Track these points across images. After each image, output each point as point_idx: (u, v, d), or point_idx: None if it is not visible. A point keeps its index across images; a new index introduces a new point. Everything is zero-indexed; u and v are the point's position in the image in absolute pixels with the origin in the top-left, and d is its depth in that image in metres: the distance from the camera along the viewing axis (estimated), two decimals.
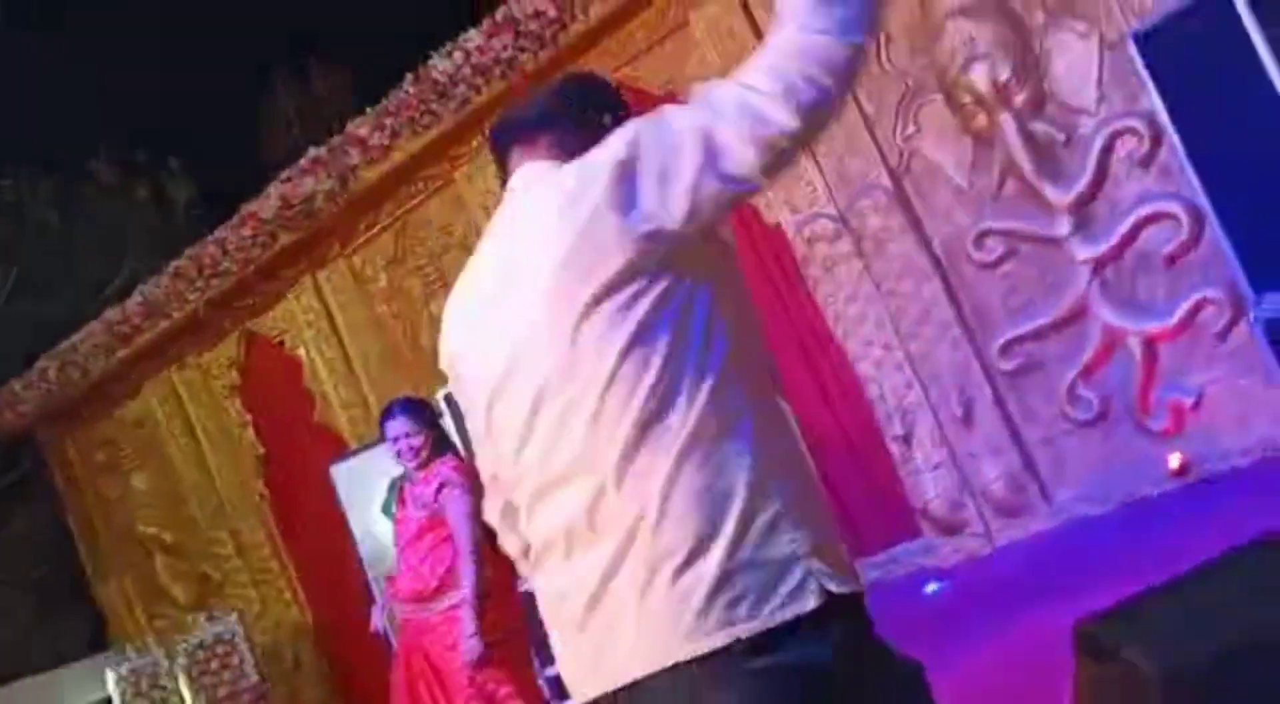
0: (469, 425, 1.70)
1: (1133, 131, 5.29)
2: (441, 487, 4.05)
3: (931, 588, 5.63)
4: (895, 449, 6.09)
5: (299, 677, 9.00)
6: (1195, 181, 4.57)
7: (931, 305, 5.83)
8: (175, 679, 7.84)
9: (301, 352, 8.64)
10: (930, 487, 5.96)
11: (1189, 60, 4.49)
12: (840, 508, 6.44)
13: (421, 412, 4.21)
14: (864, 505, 6.35)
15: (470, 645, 3.86)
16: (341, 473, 7.72)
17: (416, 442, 4.07)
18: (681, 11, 6.47)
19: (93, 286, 9.69)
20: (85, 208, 14.81)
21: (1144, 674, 1.62)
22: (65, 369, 9.56)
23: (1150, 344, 5.39)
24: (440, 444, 4.18)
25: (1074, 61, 5.41)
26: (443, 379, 7.08)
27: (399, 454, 4.11)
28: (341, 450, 8.33)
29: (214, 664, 7.78)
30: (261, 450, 9.11)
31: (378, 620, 5.00)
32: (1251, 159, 4.32)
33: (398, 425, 4.11)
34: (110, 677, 8.42)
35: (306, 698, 8.96)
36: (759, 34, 6.19)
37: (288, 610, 9.08)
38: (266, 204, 8.01)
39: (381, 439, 4.28)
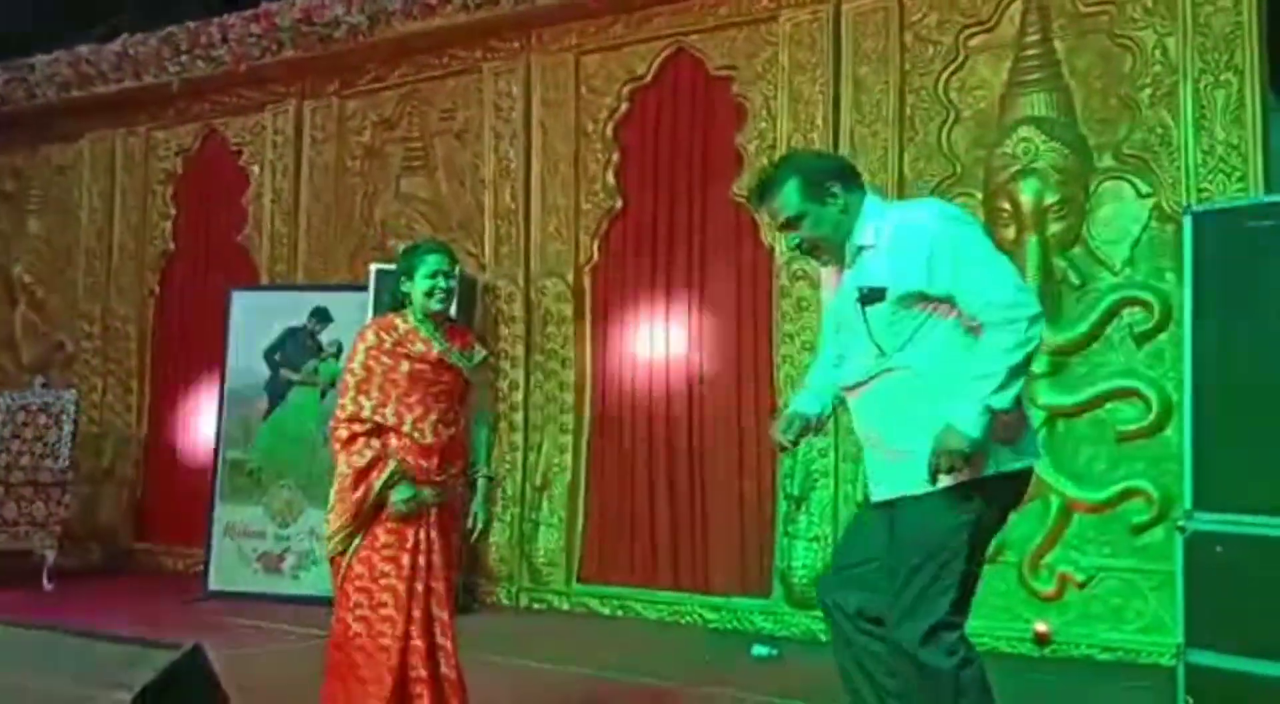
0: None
1: (1144, 305, 5.21)
2: (487, 359, 3.73)
3: (759, 650, 5.48)
4: (785, 505, 5.93)
5: (107, 480, 8.58)
6: (1187, 374, 4.45)
7: None
8: None
9: (256, 169, 8.25)
10: (800, 555, 5.80)
11: (1233, 258, 4.39)
12: (706, 537, 6.29)
13: (456, 261, 3.69)
14: (730, 543, 6.19)
15: (485, 516, 3.70)
16: (240, 300, 7.35)
17: (453, 284, 3.58)
18: (774, 6, 6.24)
19: (80, 20, 9.07)
20: None
21: None
22: (13, 85, 9.01)
23: (1068, 509, 5.31)
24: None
25: (1120, 215, 5.31)
26: (378, 254, 6.81)
27: (431, 292, 3.49)
28: (250, 279, 7.97)
29: (29, 432, 7.32)
30: (171, 247, 8.68)
31: None
32: (1256, 377, 4.21)
33: (443, 261, 3.54)
34: None
35: (104, 502, 8.53)
36: (839, 53, 6.00)
37: (125, 413, 8.65)
38: (288, 11, 7.60)
39: (408, 270, 3.57)
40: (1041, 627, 5.23)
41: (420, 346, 3.49)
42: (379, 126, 7.77)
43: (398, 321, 3.53)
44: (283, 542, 6.94)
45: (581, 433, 6.73)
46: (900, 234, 2.68)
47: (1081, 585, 5.25)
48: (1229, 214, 4.56)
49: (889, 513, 2.79)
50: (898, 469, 2.74)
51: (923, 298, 2.66)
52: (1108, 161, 5.38)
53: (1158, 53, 5.30)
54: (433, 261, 3.52)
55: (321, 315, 6.97)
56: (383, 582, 3.36)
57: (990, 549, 5.20)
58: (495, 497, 3.74)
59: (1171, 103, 5.24)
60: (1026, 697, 4.58)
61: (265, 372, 7.13)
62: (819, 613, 5.59)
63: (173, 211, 8.70)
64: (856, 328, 2.73)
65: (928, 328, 2.68)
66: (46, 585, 6.93)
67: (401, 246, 7.34)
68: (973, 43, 5.78)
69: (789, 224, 2.79)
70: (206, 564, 7.02)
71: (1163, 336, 5.15)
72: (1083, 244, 5.41)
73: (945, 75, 5.81)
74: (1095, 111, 5.44)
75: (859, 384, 2.80)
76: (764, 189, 2.84)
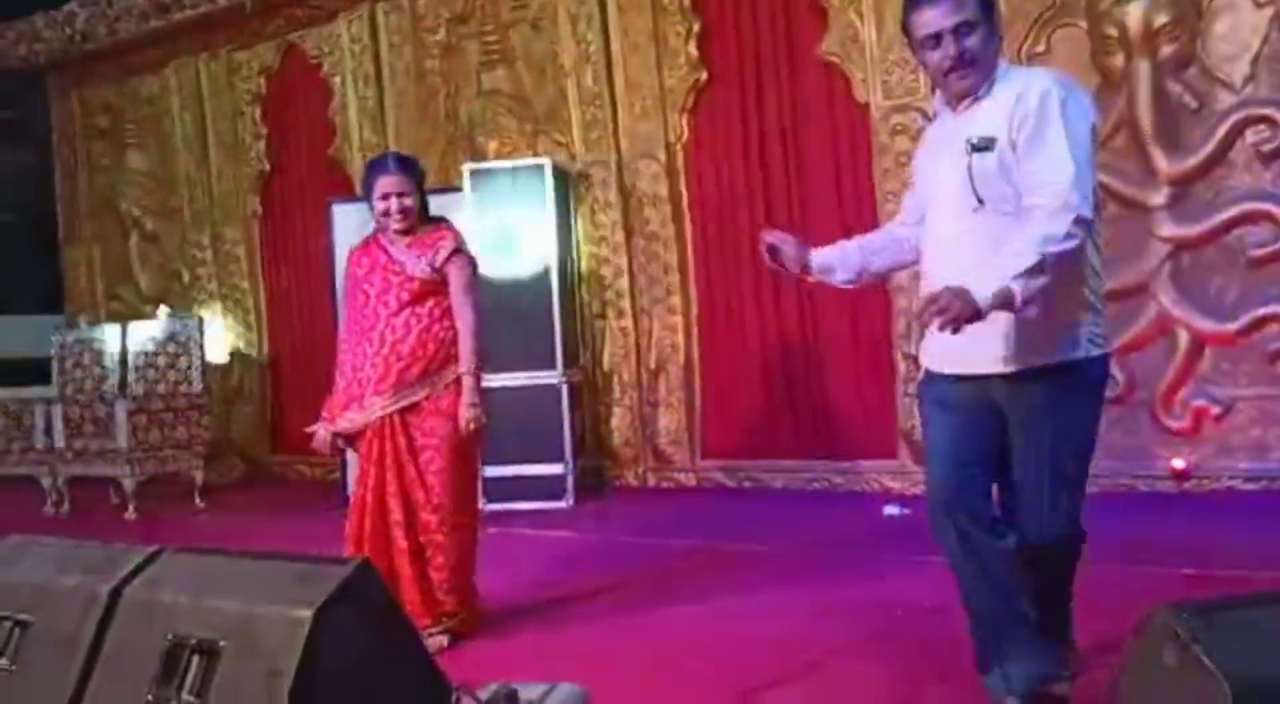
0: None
1: (1270, 121, 4.95)
2: (456, 251, 3.70)
3: (890, 511, 5.51)
4: (902, 366, 5.88)
5: (239, 399, 8.91)
6: None
7: None
8: (118, 362, 7.67)
9: (338, 81, 8.25)
10: None
11: None
12: (826, 403, 6.29)
13: (415, 169, 3.80)
14: (851, 408, 6.19)
15: (473, 414, 3.61)
16: (341, 213, 7.43)
17: (410, 201, 3.67)
18: None
19: None
20: None
21: (1212, 682, 1.42)
22: (93, 21, 9.10)
23: (1199, 342, 5.17)
24: (425, 211, 3.79)
25: (1238, 29, 5.01)
26: (467, 153, 6.79)
27: (386, 213, 3.67)
28: (346, 190, 8.03)
29: (161, 360, 7.60)
30: (266, 167, 8.79)
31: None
32: None
33: (393, 181, 3.65)
34: (55, 340, 8.26)
35: (239, 421, 8.89)
36: None
37: (247, 332, 8.92)
38: None
39: (366, 194, 3.77)
40: (1179, 463, 5.15)
41: (373, 259, 3.72)
42: (453, 23, 7.67)
43: (369, 239, 3.79)
44: None
45: (690, 312, 6.73)
46: (1016, 90, 2.52)
47: (1218, 418, 5.14)
48: None
49: (991, 388, 2.56)
50: (977, 340, 2.42)
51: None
52: None
53: None
54: (381, 184, 3.68)
55: None
56: (355, 494, 3.73)
57: (1120, 388, 5.21)
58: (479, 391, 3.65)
59: None
60: (1172, 533, 4.53)
61: None
62: None
63: (264, 131, 8.79)
64: (958, 176, 2.54)
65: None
66: (199, 503, 7.27)
67: (493, 144, 7.46)
68: None
69: (961, 29, 2.49)
70: (342, 473, 7.27)
71: None
72: (1198, 64, 5.13)
73: None
74: None
75: (949, 235, 2.58)
76: None
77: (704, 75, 6.61)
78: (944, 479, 2.61)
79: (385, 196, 3.65)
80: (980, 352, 2.52)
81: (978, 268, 2.38)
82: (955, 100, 2.61)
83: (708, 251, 6.70)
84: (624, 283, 6.90)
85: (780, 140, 6.38)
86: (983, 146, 2.49)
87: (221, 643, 2.06)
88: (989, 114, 2.54)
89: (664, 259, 6.77)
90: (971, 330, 2.32)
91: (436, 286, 3.68)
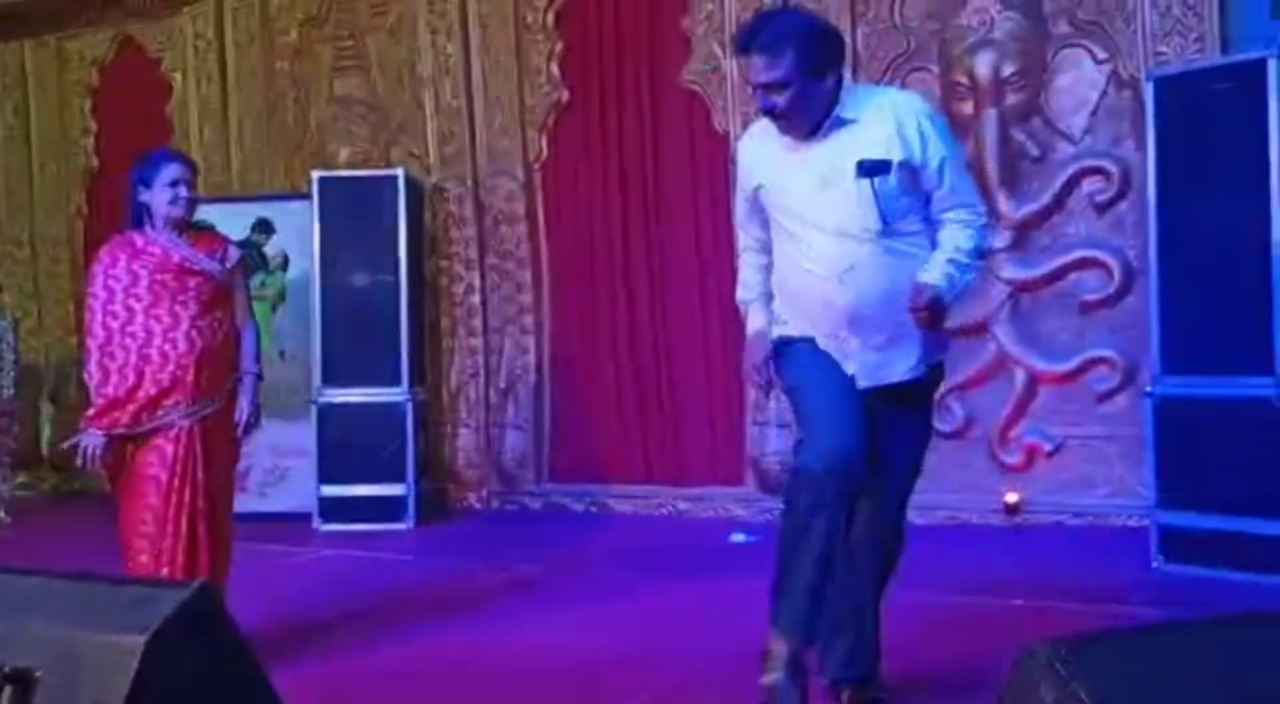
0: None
1: (1104, 173, 5.20)
2: (242, 257, 3.70)
3: (737, 537, 5.53)
4: (754, 394, 5.92)
5: (54, 407, 8.36)
6: (1152, 241, 4.48)
7: None
8: None
9: (178, 77, 7.87)
10: (772, 442, 5.83)
11: (1196, 122, 4.37)
12: (676, 429, 6.30)
13: (193, 164, 3.69)
14: (700, 435, 6.21)
15: (257, 412, 3.63)
16: None
17: (193, 194, 3.56)
18: None
19: None
20: None
21: None
22: None
23: (1034, 381, 5.37)
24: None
25: (1078, 84, 5.27)
26: (316, 160, 6.53)
27: (175, 200, 3.49)
28: None
29: None
30: (95, 164, 8.31)
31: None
32: (1219, 242, 4.24)
33: (183, 169, 3.55)
34: None
35: (52, 431, 8.34)
36: None
37: (65, 337, 8.39)
38: None
39: (145, 181, 3.54)
40: (1011, 497, 5.33)
41: (159, 256, 3.50)
42: (306, 25, 7.42)
43: (135, 237, 3.55)
44: (243, 459, 6.80)
45: (543, 333, 6.65)
46: (891, 113, 2.64)
47: (1050, 455, 5.35)
48: (1191, 78, 4.54)
49: (874, 397, 2.72)
50: (895, 351, 2.73)
51: (914, 179, 2.63)
52: (1064, 28, 5.31)
53: None
54: (171, 170, 3.55)
55: (265, 227, 6.74)
56: (139, 503, 3.48)
57: (959, 424, 5.39)
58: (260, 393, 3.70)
59: None
60: (1003, 566, 4.69)
61: None
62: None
63: (93, 126, 8.31)
64: (854, 199, 2.59)
65: (917, 209, 2.69)
66: (3, 517, 6.77)
67: (344, 152, 7.23)
68: None
69: (771, 88, 2.57)
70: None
71: (1123, 204, 5.17)
72: (1040, 115, 5.36)
73: None
74: None
75: (850, 262, 2.63)
76: (756, 42, 2.59)
77: (565, 95, 6.56)
78: (848, 444, 2.59)
79: (175, 183, 3.50)
80: (894, 364, 2.73)
81: (890, 290, 2.61)
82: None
83: (563, 273, 6.64)
84: (476, 300, 6.76)
85: (639, 164, 6.38)
86: (878, 170, 2.56)
87: (38, 673, 1.87)
88: (864, 137, 2.61)
89: (518, 278, 6.67)
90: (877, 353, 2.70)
91: (224, 290, 3.60)
